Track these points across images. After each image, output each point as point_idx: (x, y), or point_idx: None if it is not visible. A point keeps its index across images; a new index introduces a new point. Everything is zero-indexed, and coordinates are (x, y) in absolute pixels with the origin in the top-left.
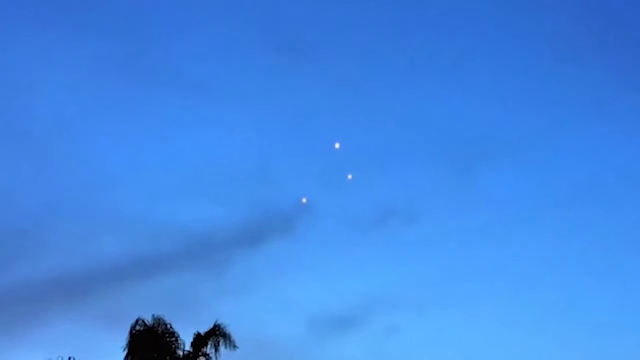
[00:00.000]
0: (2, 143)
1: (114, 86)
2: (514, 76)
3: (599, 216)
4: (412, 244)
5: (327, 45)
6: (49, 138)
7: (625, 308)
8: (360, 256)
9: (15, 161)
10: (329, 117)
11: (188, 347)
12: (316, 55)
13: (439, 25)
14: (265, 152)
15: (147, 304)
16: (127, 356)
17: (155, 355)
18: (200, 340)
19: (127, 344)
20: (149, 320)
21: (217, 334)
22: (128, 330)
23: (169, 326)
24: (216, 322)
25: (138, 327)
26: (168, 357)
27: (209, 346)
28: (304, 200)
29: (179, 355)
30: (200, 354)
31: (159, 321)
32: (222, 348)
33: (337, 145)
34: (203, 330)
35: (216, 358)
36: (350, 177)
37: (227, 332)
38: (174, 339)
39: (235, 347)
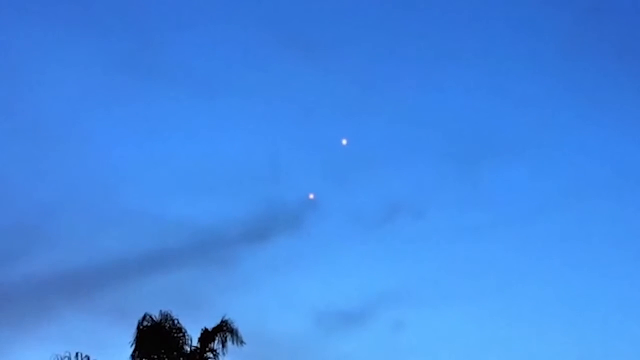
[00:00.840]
0: (9, 140)
1: (122, 83)
2: (520, 73)
3: (605, 213)
4: (418, 240)
5: (334, 41)
6: (56, 135)
7: (630, 306)
8: (366, 252)
9: (21, 157)
10: (336, 113)
11: (195, 343)
12: (323, 51)
13: (446, 23)
14: (272, 148)
15: (154, 300)
16: (134, 352)
17: (163, 351)
18: (207, 336)
19: (135, 340)
20: (156, 316)
21: (224, 330)
22: (135, 326)
23: (176, 322)
24: (223, 317)
25: (145, 323)
26: (175, 353)
27: (216, 342)
28: (311, 197)
29: (186, 351)
30: (207, 349)
31: (166, 317)
32: (229, 344)
33: (345, 142)
34: (210, 326)
35: (223, 354)
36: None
37: (235, 327)
38: (181, 334)
39: (242, 342)
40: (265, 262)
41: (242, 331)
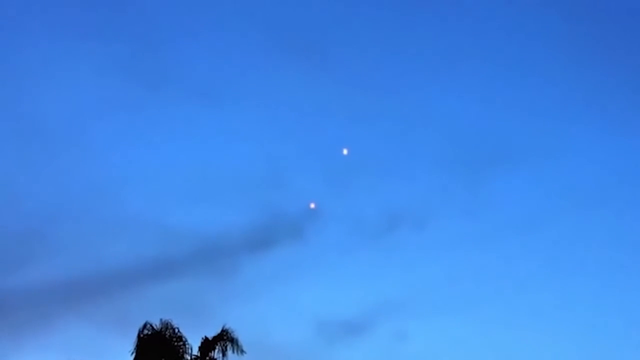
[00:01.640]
0: (12, 146)
1: (126, 90)
2: (522, 84)
3: (607, 222)
4: (420, 249)
5: (336, 48)
6: (59, 141)
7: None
8: (368, 261)
9: (24, 164)
10: (338, 121)
11: (195, 352)
12: (325, 58)
13: (450, 31)
14: (274, 156)
15: (155, 308)
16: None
17: (163, 359)
18: (207, 345)
19: (135, 348)
20: (156, 324)
21: (224, 339)
22: (136, 334)
23: (176, 330)
24: (224, 326)
25: (146, 331)
26: None
27: (216, 350)
28: (312, 205)
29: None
30: (207, 358)
31: (166, 325)
32: (229, 352)
33: (345, 151)
34: (210, 334)
35: None
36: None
37: (235, 336)
38: (181, 343)
39: (242, 351)
40: (266, 270)
41: (243, 340)
